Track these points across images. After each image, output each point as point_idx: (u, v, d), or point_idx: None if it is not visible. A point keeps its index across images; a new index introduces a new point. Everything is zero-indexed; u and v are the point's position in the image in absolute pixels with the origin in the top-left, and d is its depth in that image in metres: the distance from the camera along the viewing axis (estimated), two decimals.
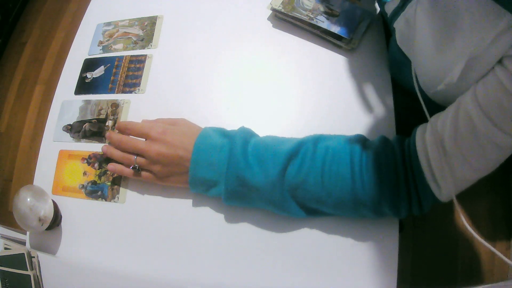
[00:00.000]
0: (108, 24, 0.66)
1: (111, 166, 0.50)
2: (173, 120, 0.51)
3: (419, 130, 0.42)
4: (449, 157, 0.37)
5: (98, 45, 0.64)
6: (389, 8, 0.49)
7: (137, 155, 0.49)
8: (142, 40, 0.62)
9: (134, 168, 0.49)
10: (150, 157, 0.47)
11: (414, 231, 1.19)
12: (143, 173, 0.49)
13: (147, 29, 0.63)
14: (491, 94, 0.33)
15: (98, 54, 0.63)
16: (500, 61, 0.32)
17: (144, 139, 0.49)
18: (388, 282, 0.44)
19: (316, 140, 0.45)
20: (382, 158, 0.41)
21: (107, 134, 0.52)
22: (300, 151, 0.43)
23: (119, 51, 0.63)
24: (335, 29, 0.55)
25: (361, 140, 0.44)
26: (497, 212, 1.19)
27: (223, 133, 0.47)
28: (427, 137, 0.39)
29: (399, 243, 0.45)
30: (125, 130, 0.51)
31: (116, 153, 0.50)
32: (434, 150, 0.38)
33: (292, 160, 0.43)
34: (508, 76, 0.31)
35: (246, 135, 0.46)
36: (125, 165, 0.50)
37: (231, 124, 0.50)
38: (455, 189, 0.39)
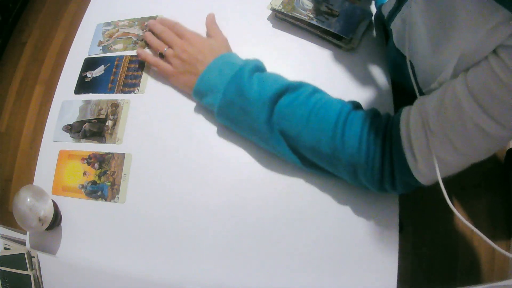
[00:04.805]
0: (108, 24, 0.66)
1: (139, 50, 0.58)
2: (215, 33, 0.57)
3: (407, 106, 0.43)
4: (432, 133, 0.37)
5: (98, 45, 0.64)
6: (386, 10, 0.49)
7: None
8: (142, 40, 0.62)
9: (160, 54, 0.57)
10: (176, 51, 0.55)
11: (414, 231, 1.19)
12: (162, 64, 0.56)
13: (147, 29, 0.63)
14: (480, 79, 0.32)
15: (98, 54, 0.63)
16: (494, 51, 0.32)
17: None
18: (388, 282, 0.44)
19: (316, 89, 0.48)
20: (367, 121, 0.43)
21: (151, 21, 0.60)
22: (299, 89, 0.47)
23: (119, 51, 0.63)
24: (335, 29, 0.55)
25: (355, 103, 0.47)
26: (497, 212, 1.19)
27: (244, 60, 0.52)
28: (412, 110, 0.41)
29: (399, 243, 0.45)
30: (171, 27, 0.58)
31: (154, 40, 0.58)
32: (417, 120, 0.39)
33: (288, 92, 0.47)
34: (501, 65, 0.30)
35: (259, 65, 0.51)
36: (154, 51, 0.59)
37: None
38: (435, 169, 0.38)
